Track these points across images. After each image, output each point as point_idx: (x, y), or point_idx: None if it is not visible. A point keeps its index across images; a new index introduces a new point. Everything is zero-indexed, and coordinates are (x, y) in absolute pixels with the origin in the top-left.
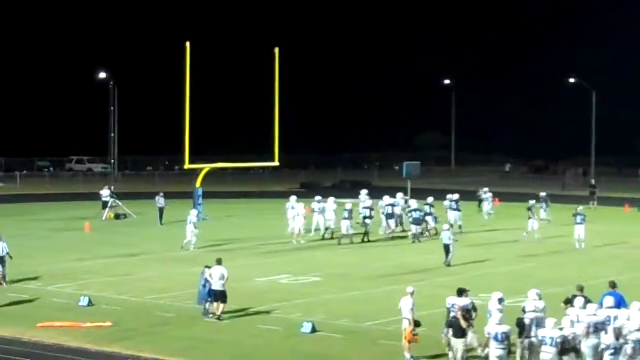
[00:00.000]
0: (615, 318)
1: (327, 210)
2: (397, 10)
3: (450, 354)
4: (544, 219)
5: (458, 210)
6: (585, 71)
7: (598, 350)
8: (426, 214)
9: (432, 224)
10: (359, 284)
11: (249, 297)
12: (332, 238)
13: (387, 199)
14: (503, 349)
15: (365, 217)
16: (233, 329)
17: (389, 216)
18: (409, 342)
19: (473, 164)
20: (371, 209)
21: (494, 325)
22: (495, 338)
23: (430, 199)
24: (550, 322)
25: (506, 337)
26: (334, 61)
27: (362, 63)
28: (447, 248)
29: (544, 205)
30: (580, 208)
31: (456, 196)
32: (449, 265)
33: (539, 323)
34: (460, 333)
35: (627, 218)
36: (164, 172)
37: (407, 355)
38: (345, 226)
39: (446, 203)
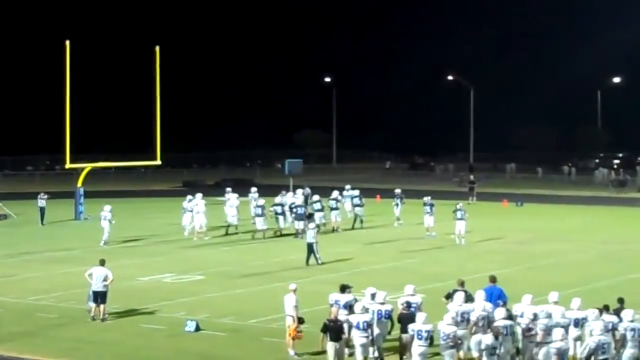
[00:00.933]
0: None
1: (229, 207)
2: (277, 8)
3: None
4: (397, 216)
5: (361, 205)
6: (464, 68)
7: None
8: (332, 209)
9: (337, 219)
10: (242, 282)
11: (132, 296)
12: (235, 234)
13: (334, 194)
14: (365, 337)
15: (277, 213)
16: (116, 328)
17: (334, 209)
18: (293, 338)
19: (354, 161)
20: (282, 205)
21: (357, 314)
22: (357, 326)
23: (335, 193)
24: (420, 316)
25: (368, 325)
26: (215, 59)
27: (243, 60)
28: (310, 247)
29: (398, 202)
30: (460, 204)
31: (357, 191)
32: (321, 264)
33: (407, 317)
34: (335, 336)
35: (506, 213)
36: (44, 171)
37: (291, 352)
38: (259, 222)
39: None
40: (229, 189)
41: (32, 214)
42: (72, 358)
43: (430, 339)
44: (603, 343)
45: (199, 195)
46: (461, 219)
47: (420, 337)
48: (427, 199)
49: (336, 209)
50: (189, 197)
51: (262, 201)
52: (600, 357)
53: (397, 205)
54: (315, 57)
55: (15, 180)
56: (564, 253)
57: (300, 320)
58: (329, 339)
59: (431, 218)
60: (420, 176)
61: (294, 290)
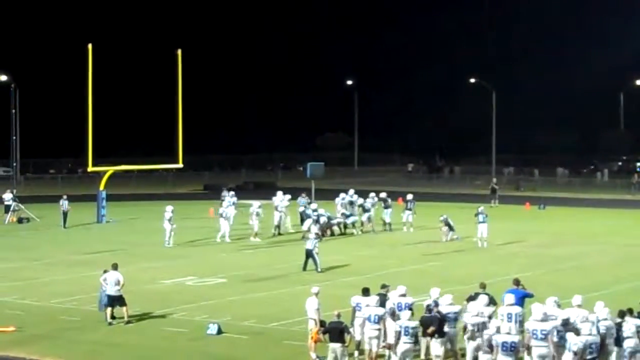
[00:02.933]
0: (515, 315)
1: (281, 208)
2: (299, 11)
3: (356, 353)
4: (408, 222)
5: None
6: (486, 70)
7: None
8: (365, 211)
9: (370, 222)
10: (264, 285)
11: (154, 299)
12: (280, 234)
13: (372, 195)
14: (377, 329)
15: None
16: (138, 331)
17: (367, 211)
18: (315, 342)
19: (376, 164)
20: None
21: (369, 307)
22: (369, 319)
23: (383, 194)
24: (406, 313)
25: (379, 319)
26: (237, 62)
27: (265, 63)
28: (309, 253)
29: (409, 207)
30: (482, 207)
31: (355, 196)
32: (320, 271)
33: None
34: (337, 337)
35: (528, 216)
36: (66, 175)
37: (313, 355)
38: (307, 222)
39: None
40: (225, 192)
41: (55, 217)
42: None
43: (415, 337)
44: (590, 343)
45: (280, 195)
46: (483, 222)
47: (407, 333)
48: (443, 217)
49: (368, 210)
50: (225, 203)
51: (315, 205)
52: (588, 357)
53: (406, 210)
54: (337, 60)
55: (37, 183)
56: (586, 256)
57: (323, 324)
58: (329, 340)
59: (449, 233)
60: (439, 179)
61: (316, 294)
